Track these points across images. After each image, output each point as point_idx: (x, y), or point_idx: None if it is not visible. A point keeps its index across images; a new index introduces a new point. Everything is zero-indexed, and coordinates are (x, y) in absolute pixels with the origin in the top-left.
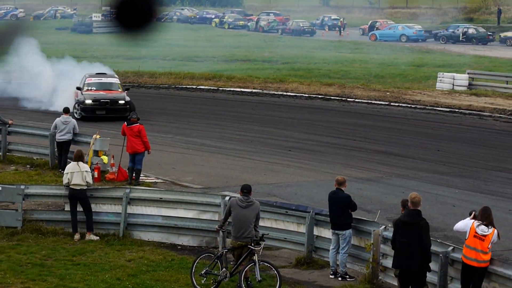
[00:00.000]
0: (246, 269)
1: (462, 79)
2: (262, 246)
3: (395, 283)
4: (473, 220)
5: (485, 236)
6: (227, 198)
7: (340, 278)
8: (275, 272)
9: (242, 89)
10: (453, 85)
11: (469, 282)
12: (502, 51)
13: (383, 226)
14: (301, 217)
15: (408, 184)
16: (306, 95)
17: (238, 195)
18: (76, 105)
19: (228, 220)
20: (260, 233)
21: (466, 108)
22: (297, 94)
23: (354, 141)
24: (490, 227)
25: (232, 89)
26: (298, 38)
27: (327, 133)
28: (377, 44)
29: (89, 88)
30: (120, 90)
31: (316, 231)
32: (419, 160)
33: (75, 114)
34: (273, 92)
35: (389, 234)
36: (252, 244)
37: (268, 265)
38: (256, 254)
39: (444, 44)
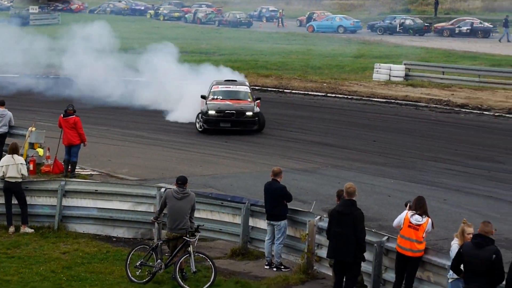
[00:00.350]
0: (181, 260)
1: (398, 69)
2: (197, 237)
3: (330, 273)
4: (407, 211)
5: (419, 225)
6: (162, 189)
7: (275, 269)
8: (210, 263)
9: None
10: (389, 76)
11: (404, 272)
12: (439, 42)
13: (318, 217)
14: (236, 208)
15: (344, 174)
16: None
17: (174, 187)
18: (200, 115)
19: (164, 211)
20: (195, 225)
21: (402, 99)
22: None
23: (291, 132)
24: (424, 216)
25: None
26: (235, 30)
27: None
28: (315, 36)
29: (215, 97)
30: (249, 100)
31: (252, 222)
32: (355, 151)
33: (197, 125)
34: None
35: (324, 224)
36: (187, 236)
37: (203, 256)
38: (191, 246)
39: (381, 35)
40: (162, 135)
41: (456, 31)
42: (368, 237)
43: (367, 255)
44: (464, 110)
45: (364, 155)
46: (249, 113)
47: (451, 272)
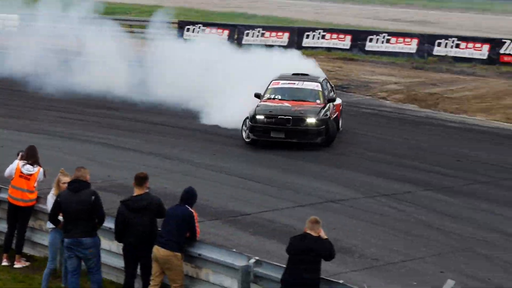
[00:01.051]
0: None
1: None
2: None
3: None
4: (18, 161)
5: (30, 175)
6: None
7: None
8: None
9: None
10: None
11: (16, 222)
12: None
13: None
14: None
15: None
16: None
17: None
18: (247, 121)
19: None
20: None
21: None
22: None
23: None
24: (35, 166)
25: None
26: None
27: None
28: None
29: (272, 96)
30: (318, 101)
31: None
32: None
33: (243, 135)
34: None
35: None
36: None
37: None
38: None
39: None
40: None
41: None
42: None
43: None
44: None
45: None
46: (310, 120)
47: (49, 222)
